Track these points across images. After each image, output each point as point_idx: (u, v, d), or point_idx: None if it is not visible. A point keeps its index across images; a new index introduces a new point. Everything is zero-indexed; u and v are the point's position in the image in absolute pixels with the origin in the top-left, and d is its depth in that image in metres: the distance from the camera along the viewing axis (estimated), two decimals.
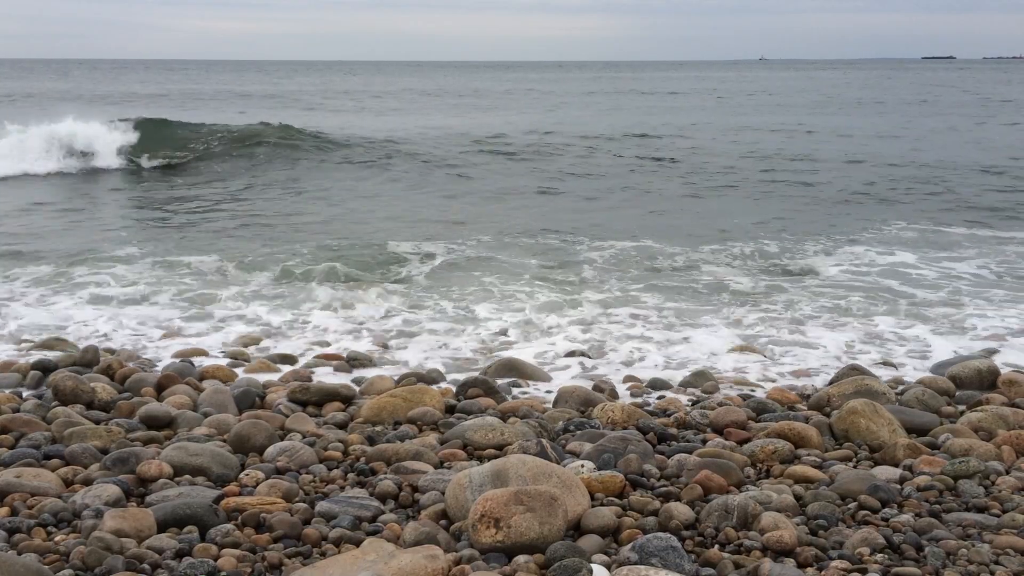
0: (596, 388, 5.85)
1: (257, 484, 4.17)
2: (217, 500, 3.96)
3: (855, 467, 4.55)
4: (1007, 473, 4.40)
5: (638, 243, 11.07)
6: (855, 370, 6.07)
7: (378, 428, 5.09)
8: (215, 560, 3.47)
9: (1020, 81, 65.61)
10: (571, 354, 6.78)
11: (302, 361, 6.63)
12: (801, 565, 3.49)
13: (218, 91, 53.18)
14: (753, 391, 5.91)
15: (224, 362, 6.45)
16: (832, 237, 11.58)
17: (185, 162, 18.76)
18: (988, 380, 5.87)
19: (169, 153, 19.04)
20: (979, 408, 5.32)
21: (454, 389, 5.85)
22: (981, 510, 4.01)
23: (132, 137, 19.42)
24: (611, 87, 60.21)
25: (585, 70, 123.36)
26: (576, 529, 3.76)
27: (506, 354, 6.74)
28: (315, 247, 10.59)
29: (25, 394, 5.63)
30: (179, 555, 3.52)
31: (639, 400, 5.72)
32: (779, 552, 3.57)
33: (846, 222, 12.74)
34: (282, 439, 4.81)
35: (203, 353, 6.76)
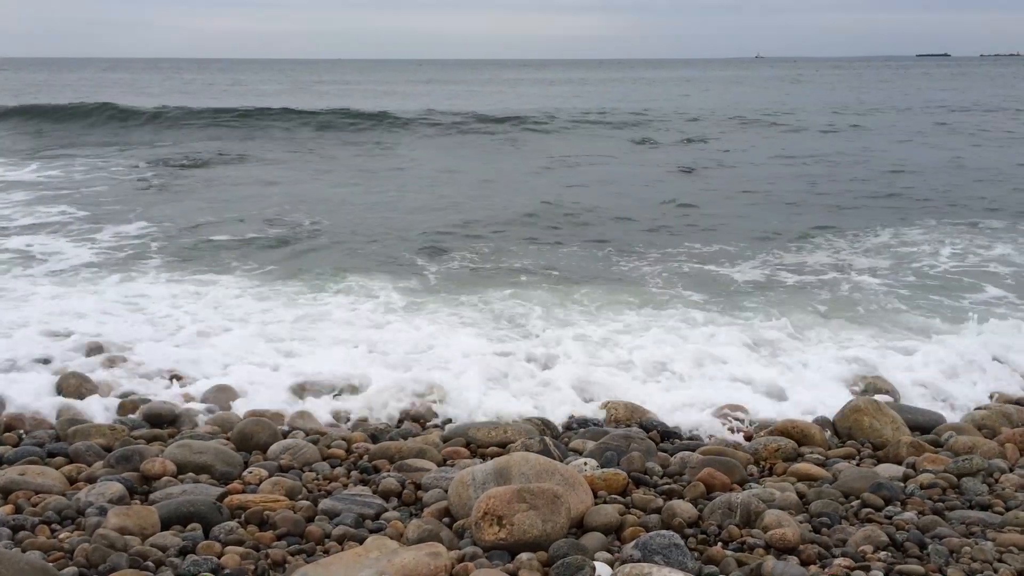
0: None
1: (260, 482, 4.18)
2: (221, 498, 3.96)
3: (858, 465, 4.55)
4: (1010, 471, 4.40)
5: None
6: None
7: (381, 426, 5.09)
8: (219, 557, 3.48)
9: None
10: None
11: None
12: (804, 563, 3.49)
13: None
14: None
15: None
16: None
17: None
18: None
19: None
20: (983, 406, 5.31)
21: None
22: (984, 508, 4.01)
23: None
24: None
25: (575, 69, 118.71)
26: (579, 527, 3.76)
27: None
28: None
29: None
30: (183, 552, 3.53)
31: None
32: (782, 550, 3.57)
33: None
34: (285, 437, 4.82)
35: None
